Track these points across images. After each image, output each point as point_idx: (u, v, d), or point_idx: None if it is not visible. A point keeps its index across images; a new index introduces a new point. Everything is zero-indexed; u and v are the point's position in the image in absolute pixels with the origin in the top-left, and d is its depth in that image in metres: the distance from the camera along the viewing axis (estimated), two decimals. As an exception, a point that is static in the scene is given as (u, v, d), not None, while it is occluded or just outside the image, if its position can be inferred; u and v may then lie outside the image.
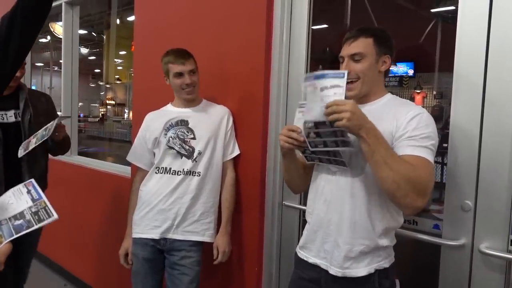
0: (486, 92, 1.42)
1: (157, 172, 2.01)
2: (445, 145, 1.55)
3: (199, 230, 1.99)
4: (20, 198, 1.23)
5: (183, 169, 1.96)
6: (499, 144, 1.40)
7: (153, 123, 2.06)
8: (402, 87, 8.16)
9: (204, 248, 2.05)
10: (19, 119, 2.20)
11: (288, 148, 1.39)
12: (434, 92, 7.78)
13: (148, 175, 2.04)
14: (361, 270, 1.36)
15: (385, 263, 1.38)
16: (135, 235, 2.03)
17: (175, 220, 1.96)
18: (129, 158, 2.18)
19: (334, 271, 1.39)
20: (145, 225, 2.00)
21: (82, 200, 3.46)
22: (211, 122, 2.04)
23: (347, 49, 1.40)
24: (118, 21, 7.28)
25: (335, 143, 1.28)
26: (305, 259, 1.50)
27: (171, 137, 1.98)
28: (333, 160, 1.35)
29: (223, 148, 2.06)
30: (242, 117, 2.13)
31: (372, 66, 1.38)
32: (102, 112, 16.89)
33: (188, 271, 1.96)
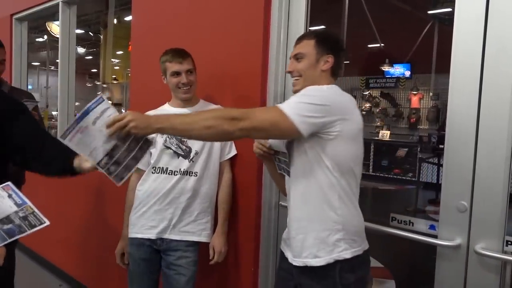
0: (482, 95, 1.43)
1: (154, 172, 2.00)
2: (441, 146, 1.56)
3: (195, 230, 1.99)
4: (2, 202, 1.23)
5: (180, 169, 1.96)
6: (495, 146, 1.41)
7: None
8: (398, 88, 8.20)
9: (201, 248, 2.05)
10: None
11: (259, 155, 1.61)
12: (431, 94, 7.81)
13: (144, 175, 2.03)
14: (319, 260, 1.38)
15: (345, 254, 1.37)
16: (131, 235, 2.02)
17: (171, 220, 1.96)
18: None
19: (297, 262, 1.44)
20: (142, 225, 1.99)
21: (78, 199, 3.45)
22: None
23: (293, 51, 1.54)
24: (115, 21, 7.26)
25: (134, 159, 1.38)
26: (283, 250, 1.59)
27: (168, 137, 1.98)
28: (285, 169, 1.52)
29: (220, 149, 2.05)
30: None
31: (312, 64, 1.49)
32: (99, 112, 16.89)
33: (185, 271, 1.96)
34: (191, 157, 1.97)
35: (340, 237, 1.37)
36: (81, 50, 12.47)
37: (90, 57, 14.17)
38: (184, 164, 1.97)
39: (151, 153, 2.04)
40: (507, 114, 1.38)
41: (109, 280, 3.02)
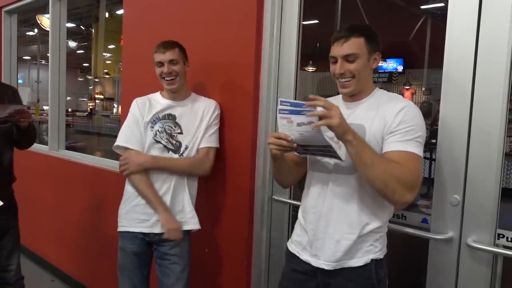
0: (475, 90, 1.44)
1: None
2: (433, 140, 1.56)
3: (186, 219, 1.98)
4: None
5: None
6: (487, 140, 1.42)
7: (144, 110, 2.00)
8: (391, 83, 8.20)
9: (192, 240, 2.04)
10: None
11: (279, 155, 1.40)
12: (423, 88, 7.84)
13: None
14: (357, 260, 1.40)
15: (380, 254, 1.42)
16: (122, 229, 2.01)
17: None
18: (118, 143, 2.00)
19: (330, 266, 1.41)
20: (133, 218, 1.97)
21: (69, 194, 3.43)
22: (197, 116, 2.01)
23: (339, 50, 1.39)
24: (106, 14, 7.19)
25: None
26: (296, 254, 1.52)
27: (158, 130, 1.96)
28: (327, 153, 1.36)
29: (202, 136, 2.02)
30: (232, 112, 2.12)
31: (365, 65, 1.40)
32: (90, 107, 16.71)
33: (179, 260, 1.96)
34: (181, 152, 1.96)
35: (377, 238, 1.42)
36: (72, 44, 12.31)
37: (81, 51, 14.00)
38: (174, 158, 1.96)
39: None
40: (499, 108, 1.39)
41: (101, 275, 3.01)
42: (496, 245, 1.43)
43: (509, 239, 1.44)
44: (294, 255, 1.53)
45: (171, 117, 1.99)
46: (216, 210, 2.22)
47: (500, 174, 1.40)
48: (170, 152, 1.96)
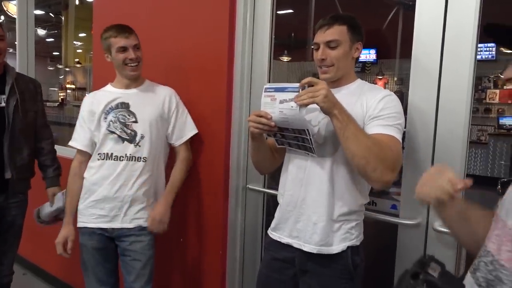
0: (441, 79, 1.48)
1: (99, 158, 1.92)
2: (404, 129, 1.60)
3: (147, 216, 1.92)
4: None
5: (126, 154, 1.88)
6: (453, 128, 1.46)
7: (92, 106, 1.95)
8: (364, 73, 8.32)
9: (167, 230, 2.03)
10: (4, 104, 2.10)
11: (257, 133, 1.42)
12: (395, 78, 7.98)
13: (90, 162, 1.96)
14: (334, 247, 1.43)
15: (356, 241, 1.46)
16: (80, 224, 1.95)
17: (122, 208, 1.89)
18: (70, 143, 2.04)
19: (308, 248, 1.44)
20: (91, 214, 1.92)
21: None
22: (153, 104, 1.96)
23: (322, 36, 1.43)
24: (77, 2, 7.01)
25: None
26: (278, 239, 1.54)
27: (111, 121, 1.90)
28: (301, 145, 1.40)
29: (171, 132, 2.00)
30: (205, 101, 2.11)
31: (346, 53, 1.44)
32: (61, 97, 16.26)
33: (140, 256, 1.91)
34: (137, 142, 1.90)
35: (353, 225, 1.46)
36: (41, 32, 11.91)
37: (51, 40, 13.58)
38: (130, 148, 1.89)
39: (95, 136, 1.96)
40: (464, 98, 1.43)
41: (75, 267, 2.96)
42: (461, 229, 1.48)
43: (473, 223, 1.49)
44: (275, 242, 1.55)
45: (125, 106, 1.92)
46: (191, 199, 2.22)
47: (465, 161, 1.46)
48: (125, 142, 1.89)
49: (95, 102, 1.96)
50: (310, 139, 1.33)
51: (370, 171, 1.27)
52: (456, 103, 1.45)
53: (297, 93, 1.26)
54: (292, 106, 1.27)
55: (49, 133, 2.40)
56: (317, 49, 1.46)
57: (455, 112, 1.45)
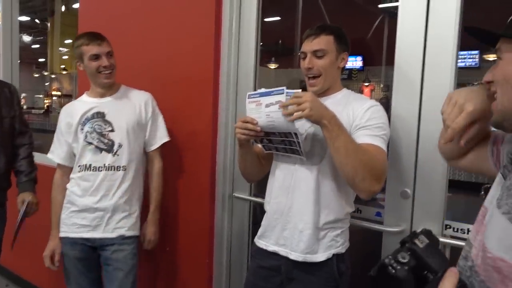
0: (423, 87, 1.50)
1: (80, 170, 1.90)
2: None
3: (129, 225, 1.92)
4: None
5: (104, 164, 1.87)
6: (435, 136, 1.46)
7: (68, 118, 1.94)
8: (351, 80, 8.40)
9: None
10: None
11: (244, 140, 1.43)
12: (382, 85, 8.07)
13: (72, 173, 1.95)
14: (320, 255, 1.43)
15: (342, 249, 1.47)
16: (62, 234, 1.93)
17: (103, 217, 1.88)
18: (48, 155, 2.04)
19: (295, 256, 1.44)
20: (73, 223, 1.91)
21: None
22: (129, 111, 1.93)
23: (309, 45, 1.46)
24: (63, 8, 6.96)
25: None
26: (264, 247, 1.54)
27: (88, 131, 1.88)
28: (289, 149, 1.40)
29: (148, 138, 1.98)
30: (191, 109, 2.11)
31: (333, 62, 1.46)
32: (47, 104, 16.08)
33: (122, 265, 1.89)
34: (114, 151, 1.88)
35: (339, 233, 1.47)
36: (27, 38, 11.81)
37: (37, 46, 13.46)
38: (108, 158, 1.87)
39: (73, 148, 1.94)
40: (446, 105, 1.45)
41: (60, 278, 2.92)
42: (444, 235, 1.50)
43: (455, 230, 1.51)
44: (261, 250, 1.55)
45: (100, 115, 1.90)
46: (177, 208, 2.21)
47: (447, 169, 1.47)
48: (103, 152, 1.87)
49: (71, 113, 1.94)
50: (298, 142, 1.34)
51: (359, 181, 1.29)
52: (438, 111, 1.47)
53: (283, 94, 1.27)
54: (278, 108, 1.28)
55: (28, 139, 2.28)
56: (304, 58, 1.48)
57: (437, 120, 1.47)
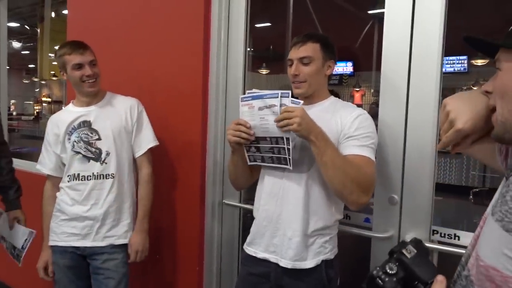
0: (409, 96, 1.52)
1: (69, 180, 1.89)
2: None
3: (120, 234, 1.90)
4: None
5: (93, 173, 1.86)
6: (422, 142, 1.50)
7: (55, 129, 1.92)
8: (342, 85, 8.46)
9: None
10: None
11: (235, 142, 1.42)
12: (372, 90, 8.14)
13: (61, 183, 1.93)
14: (309, 262, 1.44)
15: (330, 255, 1.47)
16: (52, 243, 1.92)
17: (93, 226, 1.86)
18: (37, 166, 2.02)
19: (284, 263, 1.45)
20: (62, 232, 1.89)
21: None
22: (115, 118, 1.91)
23: (296, 53, 1.48)
24: (53, 14, 6.91)
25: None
26: (253, 254, 1.54)
27: (75, 141, 1.86)
28: (275, 158, 1.41)
29: (133, 143, 1.96)
30: (181, 115, 2.11)
31: (319, 69, 1.48)
32: (37, 110, 15.95)
33: (113, 274, 1.87)
34: (102, 159, 1.87)
35: (327, 239, 1.47)
36: (16, 44, 11.71)
37: (27, 52, 13.36)
38: (96, 167, 1.86)
39: (62, 158, 1.93)
40: (432, 111, 1.47)
41: (47, 285, 2.88)
42: (431, 241, 1.51)
43: (443, 235, 1.53)
44: (251, 257, 1.55)
45: (86, 124, 1.88)
46: (167, 215, 2.20)
47: (434, 173, 1.49)
48: (91, 160, 1.87)
49: (57, 124, 1.93)
50: (289, 148, 1.34)
51: (347, 194, 1.31)
52: (424, 118, 1.49)
53: (277, 98, 1.30)
54: (273, 112, 1.30)
55: (8, 151, 2.22)
56: (291, 65, 1.50)
57: (423, 127, 1.49)
